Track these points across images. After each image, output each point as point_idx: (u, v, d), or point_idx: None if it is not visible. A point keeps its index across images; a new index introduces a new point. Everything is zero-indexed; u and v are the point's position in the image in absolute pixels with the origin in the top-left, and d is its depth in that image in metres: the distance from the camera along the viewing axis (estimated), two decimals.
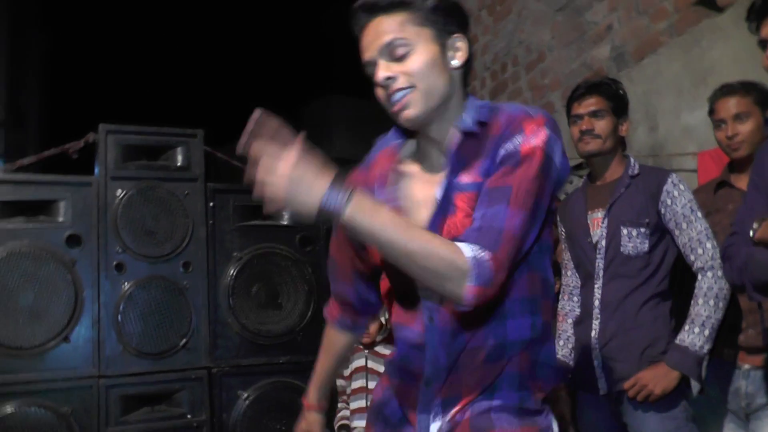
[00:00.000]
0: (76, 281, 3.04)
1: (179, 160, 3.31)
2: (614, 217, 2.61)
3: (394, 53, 1.52)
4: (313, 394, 1.96)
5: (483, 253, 1.37)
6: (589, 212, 2.71)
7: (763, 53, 2.09)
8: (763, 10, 2.07)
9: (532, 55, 4.87)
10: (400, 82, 1.52)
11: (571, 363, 2.76)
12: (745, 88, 2.69)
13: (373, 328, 3.43)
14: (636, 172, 2.66)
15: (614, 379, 2.55)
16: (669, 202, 2.55)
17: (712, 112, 2.78)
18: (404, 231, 1.37)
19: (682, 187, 2.56)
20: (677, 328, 2.53)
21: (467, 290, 1.37)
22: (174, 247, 3.21)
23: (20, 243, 2.97)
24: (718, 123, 2.75)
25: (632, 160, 2.71)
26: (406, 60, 1.52)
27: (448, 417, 1.54)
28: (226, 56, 11.21)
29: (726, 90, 2.73)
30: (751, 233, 2.03)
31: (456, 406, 1.54)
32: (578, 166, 3.92)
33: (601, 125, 2.66)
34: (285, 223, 1.39)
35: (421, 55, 1.52)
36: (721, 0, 3.36)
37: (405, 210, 1.58)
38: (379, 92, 1.56)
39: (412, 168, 1.65)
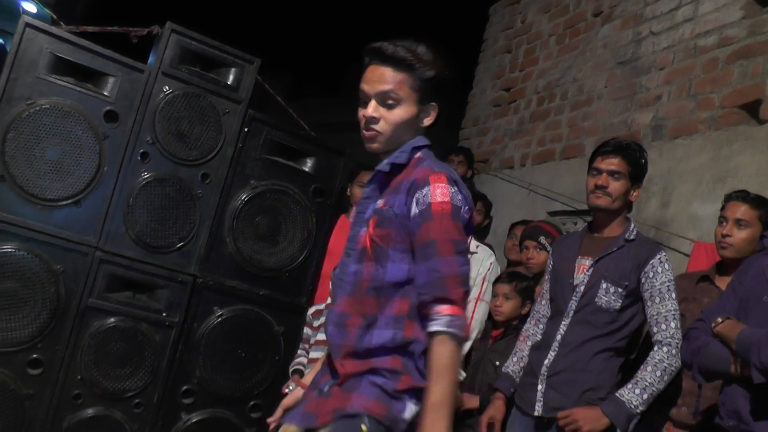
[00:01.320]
0: (102, 154, 3.19)
1: (230, 79, 3.44)
2: (599, 269, 2.81)
3: (385, 101, 1.97)
4: None
5: (442, 313, 1.85)
6: (579, 257, 2.90)
7: None
8: None
9: (582, 96, 5.00)
10: (377, 125, 1.99)
11: (518, 379, 2.98)
12: (756, 201, 2.89)
13: None
14: (632, 237, 2.85)
15: (550, 406, 2.77)
16: (651, 275, 2.74)
17: (722, 208, 2.98)
18: (445, 385, 1.84)
19: (666, 266, 2.76)
20: (621, 384, 2.74)
21: (467, 337, 1.91)
22: (199, 156, 3.36)
23: (63, 101, 3.12)
24: (721, 219, 2.95)
25: (632, 225, 2.90)
26: (391, 110, 1.98)
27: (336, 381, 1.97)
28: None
29: (740, 195, 2.94)
30: (713, 325, 2.24)
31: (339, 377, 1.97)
32: (586, 211, 4.11)
33: (615, 186, 2.84)
34: None
35: (402, 112, 1.98)
36: (764, 113, 3.50)
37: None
38: (361, 114, 2.01)
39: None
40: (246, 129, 3.46)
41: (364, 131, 2.01)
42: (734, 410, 2.21)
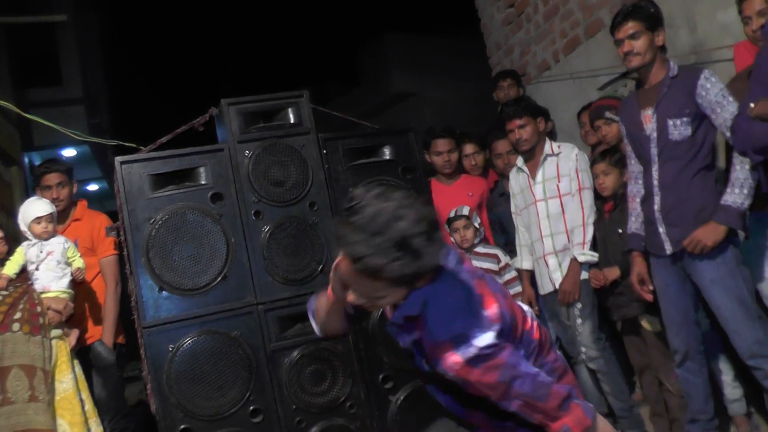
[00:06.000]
0: (225, 230, 3.62)
1: (291, 118, 3.84)
2: (661, 112, 3.18)
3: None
4: None
5: None
6: (641, 110, 3.27)
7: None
8: None
9: None
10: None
11: (643, 233, 3.35)
12: None
13: (469, 233, 4.06)
14: (675, 73, 3.20)
15: (676, 240, 3.15)
16: (704, 93, 3.08)
17: (740, 11, 3.26)
18: None
19: (713, 79, 3.10)
20: (722, 192, 3.09)
21: None
22: (300, 192, 3.77)
23: (175, 206, 3.58)
24: (745, 20, 3.24)
25: (671, 63, 3.25)
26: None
27: None
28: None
29: None
30: (749, 111, 2.61)
31: None
32: (626, 73, 4.43)
33: (639, 44, 3.21)
34: None
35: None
36: None
37: None
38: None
39: None
40: (324, 151, 3.86)
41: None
42: None
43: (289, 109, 3.87)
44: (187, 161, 3.68)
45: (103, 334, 4.36)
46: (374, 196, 1.87)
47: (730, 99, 3.06)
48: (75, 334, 3.99)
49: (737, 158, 3.01)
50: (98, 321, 4.41)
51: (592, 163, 3.92)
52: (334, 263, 2.02)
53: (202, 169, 3.69)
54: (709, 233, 3.03)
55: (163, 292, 3.53)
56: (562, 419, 1.91)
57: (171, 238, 3.56)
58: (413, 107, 12.79)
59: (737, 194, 2.99)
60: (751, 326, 3.04)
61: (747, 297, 3.08)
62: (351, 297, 1.98)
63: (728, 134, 3.03)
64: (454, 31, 11.79)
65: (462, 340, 1.85)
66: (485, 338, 1.86)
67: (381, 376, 3.82)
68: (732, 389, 3.51)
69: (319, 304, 2.28)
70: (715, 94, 3.08)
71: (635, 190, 3.42)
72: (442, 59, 12.56)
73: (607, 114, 3.96)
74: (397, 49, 13.18)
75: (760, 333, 3.05)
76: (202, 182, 3.68)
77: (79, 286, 4.15)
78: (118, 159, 3.61)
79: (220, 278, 3.61)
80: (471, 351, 1.85)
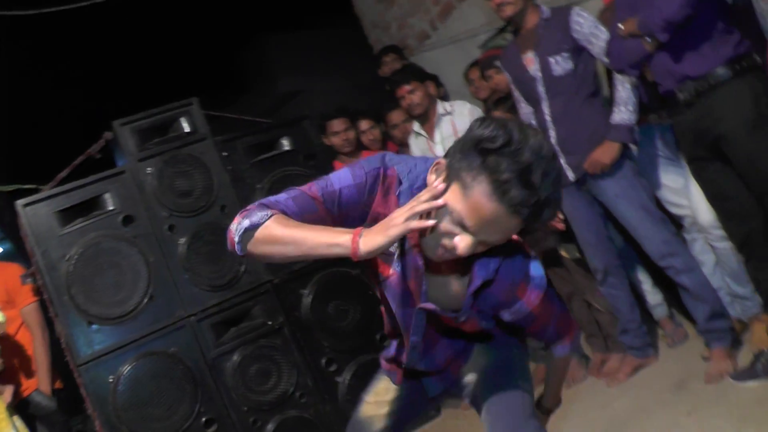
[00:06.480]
0: (142, 251, 3.60)
1: (186, 127, 3.84)
2: (541, 52, 3.33)
3: None
4: None
5: None
6: (522, 54, 3.42)
7: None
8: None
9: None
10: None
11: None
12: None
13: None
14: (547, 15, 3.37)
15: (576, 166, 3.33)
16: (578, 27, 3.27)
17: None
18: None
19: (584, 14, 3.30)
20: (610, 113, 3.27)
21: None
22: (208, 198, 3.78)
23: (87, 238, 3.53)
24: None
25: (543, 8, 3.42)
26: None
27: None
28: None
29: None
30: (619, 33, 2.84)
31: None
32: (503, 28, 4.58)
33: None
34: None
35: None
36: None
37: None
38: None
39: None
40: (224, 153, 3.88)
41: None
42: (664, 71, 2.82)
43: (182, 119, 3.87)
44: (91, 190, 3.64)
45: (39, 383, 4.25)
46: (518, 128, 1.47)
47: (602, 28, 3.23)
48: (9, 389, 3.90)
49: (618, 79, 3.18)
50: (30, 373, 4.29)
51: (487, 113, 4.05)
52: (416, 223, 1.46)
53: (107, 195, 3.66)
54: (606, 152, 3.21)
55: (93, 325, 3.49)
56: (572, 329, 1.97)
57: (90, 271, 3.51)
58: (304, 103, 12.73)
59: (624, 111, 3.17)
60: (657, 229, 3.25)
61: (649, 204, 3.29)
62: (464, 245, 1.54)
63: (606, 59, 3.19)
64: (329, 21, 11.85)
65: (527, 274, 1.74)
66: (539, 265, 1.76)
67: (324, 361, 3.88)
68: (653, 295, 3.71)
69: (285, 236, 1.54)
70: (588, 27, 3.25)
71: None
72: (323, 51, 12.58)
73: (497, 63, 4.08)
74: (276, 50, 13.11)
75: (666, 233, 3.26)
76: (110, 208, 3.65)
77: (3, 341, 4.03)
78: (19, 202, 3.52)
79: (146, 299, 3.60)
80: (543, 282, 1.75)
